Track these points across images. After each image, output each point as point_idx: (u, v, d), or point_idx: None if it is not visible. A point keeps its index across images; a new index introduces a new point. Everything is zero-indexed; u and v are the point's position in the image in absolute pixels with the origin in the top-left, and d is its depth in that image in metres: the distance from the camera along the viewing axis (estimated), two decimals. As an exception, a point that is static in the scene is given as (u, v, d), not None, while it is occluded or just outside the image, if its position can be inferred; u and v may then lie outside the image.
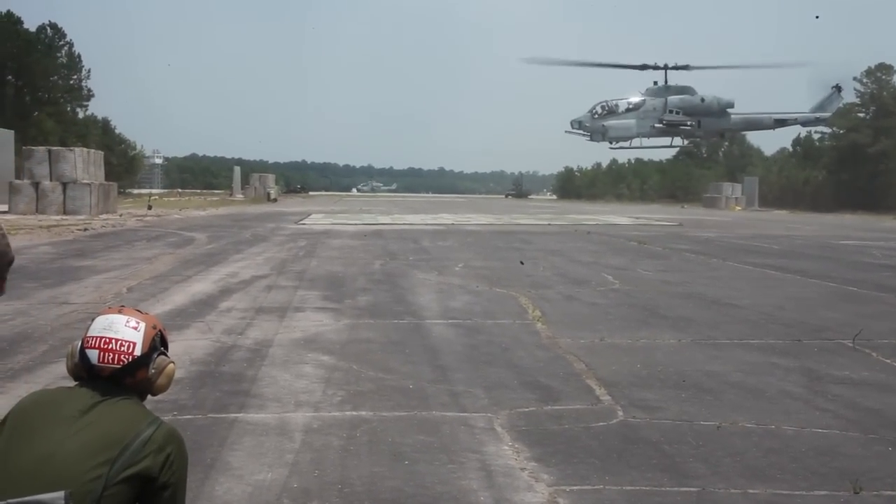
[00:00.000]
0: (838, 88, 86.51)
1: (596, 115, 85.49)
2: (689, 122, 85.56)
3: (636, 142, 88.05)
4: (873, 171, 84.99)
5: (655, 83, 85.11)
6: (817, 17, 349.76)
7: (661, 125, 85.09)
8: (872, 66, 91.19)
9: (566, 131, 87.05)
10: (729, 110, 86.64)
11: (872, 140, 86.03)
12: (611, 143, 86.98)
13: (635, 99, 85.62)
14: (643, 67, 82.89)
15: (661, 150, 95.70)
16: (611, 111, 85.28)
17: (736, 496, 5.41)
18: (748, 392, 8.19)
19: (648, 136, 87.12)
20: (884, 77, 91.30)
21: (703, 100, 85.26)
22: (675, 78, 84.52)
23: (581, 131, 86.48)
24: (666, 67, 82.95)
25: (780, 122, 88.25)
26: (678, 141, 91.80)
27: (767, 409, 7.54)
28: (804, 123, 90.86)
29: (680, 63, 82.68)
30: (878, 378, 8.97)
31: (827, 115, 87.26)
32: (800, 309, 13.95)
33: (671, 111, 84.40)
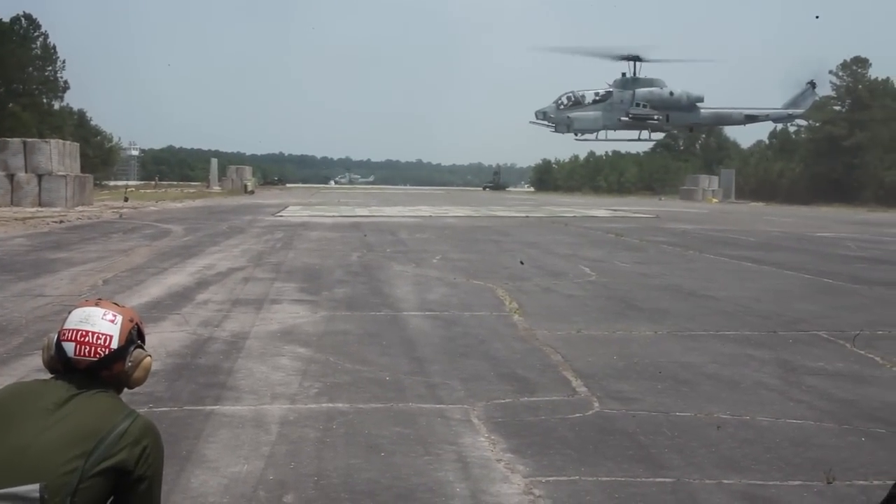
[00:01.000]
0: (812, 85, 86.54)
1: (561, 106, 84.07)
2: (656, 116, 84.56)
3: (602, 134, 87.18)
4: (849, 163, 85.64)
5: (624, 74, 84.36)
6: (817, 17, 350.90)
7: (627, 118, 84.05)
8: (848, 60, 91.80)
9: (530, 122, 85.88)
10: (699, 105, 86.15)
11: (848, 133, 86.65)
12: (576, 134, 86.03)
13: (602, 90, 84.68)
14: (618, 58, 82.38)
15: (639, 142, 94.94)
16: (577, 102, 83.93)
17: (711, 486, 5.45)
18: (724, 383, 8.25)
19: (615, 128, 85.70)
20: (859, 70, 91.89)
21: (671, 93, 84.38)
22: (645, 70, 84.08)
23: (546, 122, 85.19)
24: (635, 59, 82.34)
25: (751, 118, 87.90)
26: (646, 134, 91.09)
27: (743, 400, 7.60)
28: (776, 119, 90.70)
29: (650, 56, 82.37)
30: (853, 369, 9.05)
31: (800, 111, 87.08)
32: (776, 301, 14.05)
33: (639, 104, 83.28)
